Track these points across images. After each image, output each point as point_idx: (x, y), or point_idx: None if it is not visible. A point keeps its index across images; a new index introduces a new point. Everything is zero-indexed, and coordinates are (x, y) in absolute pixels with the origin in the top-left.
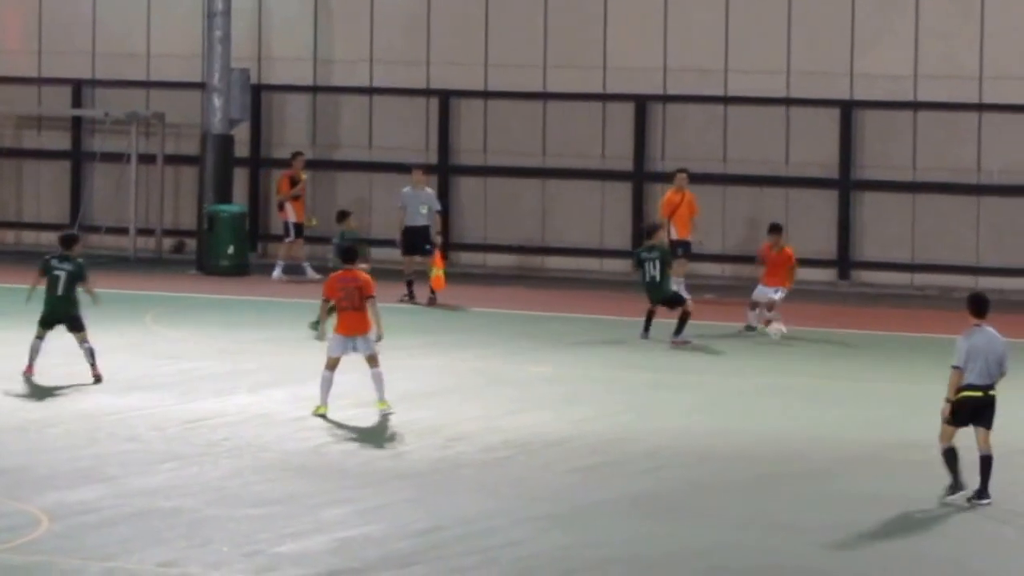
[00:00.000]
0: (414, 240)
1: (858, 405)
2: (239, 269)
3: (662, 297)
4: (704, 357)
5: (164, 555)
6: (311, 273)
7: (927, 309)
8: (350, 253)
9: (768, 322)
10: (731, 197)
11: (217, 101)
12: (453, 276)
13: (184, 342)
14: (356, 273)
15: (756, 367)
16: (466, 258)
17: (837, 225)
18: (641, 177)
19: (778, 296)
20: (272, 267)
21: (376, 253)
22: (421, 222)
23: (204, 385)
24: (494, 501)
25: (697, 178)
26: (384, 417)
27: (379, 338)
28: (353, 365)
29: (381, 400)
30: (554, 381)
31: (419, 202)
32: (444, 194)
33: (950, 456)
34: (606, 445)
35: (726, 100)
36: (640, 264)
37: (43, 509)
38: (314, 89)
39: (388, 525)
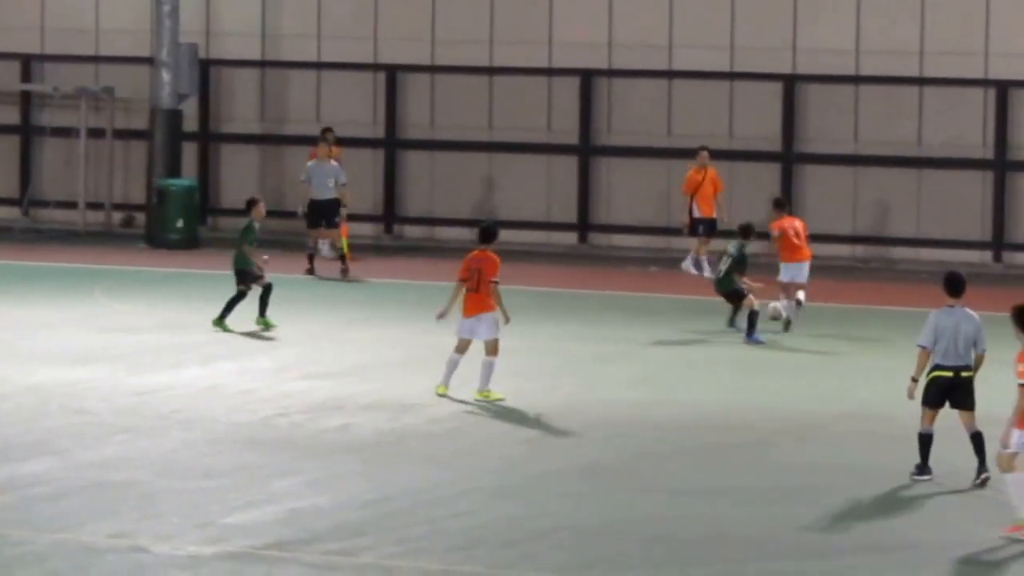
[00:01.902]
0: (321, 212)
1: (804, 376)
2: (189, 243)
3: (724, 290)
4: (652, 329)
5: (115, 527)
6: (325, 251)
7: (867, 281)
8: (487, 233)
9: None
10: (676, 171)
11: (166, 76)
12: (401, 249)
13: (134, 315)
14: (485, 254)
15: (702, 339)
16: (413, 231)
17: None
18: (587, 151)
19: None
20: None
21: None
22: (328, 195)
23: (154, 358)
24: (442, 472)
25: (641, 152)
26: (332, 390)
27: (506, 321)
28: (304, 336)
29: (482, 390)
30: (502, 352)
31: (326, 175)
32: (391, 168)
33: (924, 440)
34: (553, 416)
35: (671, 75)
36: (725, 257)
37: None
38: (262, 64)
39: (337, 496)
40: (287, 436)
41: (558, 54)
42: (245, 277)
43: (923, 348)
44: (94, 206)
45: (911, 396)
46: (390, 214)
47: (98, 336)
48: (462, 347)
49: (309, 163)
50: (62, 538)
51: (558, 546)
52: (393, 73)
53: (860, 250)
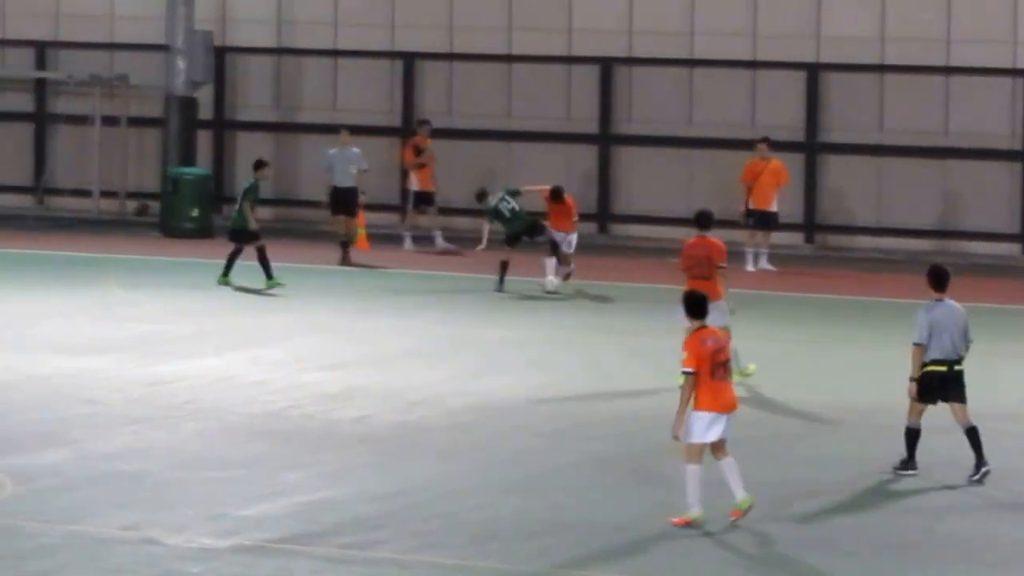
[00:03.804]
0: (342, 200)
1: (819, 369)
2: (203, 232)
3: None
4: (671, 321)
5: (127, 519)
6: (441, 242)
7: (892, 273)
8: (706, 219)
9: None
10: (696, 160)
11: (180, 63)
12: (416, 239)
13: (147, 304)
14: (708, 241)
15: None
16: (429, 221)
17: (803, 188)
18: (607, 140)
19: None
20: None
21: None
22: (348, 183)
23: (167, 348)
24: (457, 465)
25: (662, 141)
26: (347, 382)
27: (731, 311)
28: (318, 327)
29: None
30: (517, 345)
31: (347, 162)
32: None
33: (911, 435)
34: (569, 409)
35: (692, 63)
36: None
37: (6, 472)
38: (278, 51)
39: (350, 489)
40: (301, 428)
41: (577, 42)
42: (239, 236)
43: (919, 345)
44: (108, 194)
45: (912, 396)
46: (407, 202)
47: (111, 325)
48: None
49: (331, 151)
50: (74, 530)
51: (574, 541)
52: (410, 61)
53: (884, 241)
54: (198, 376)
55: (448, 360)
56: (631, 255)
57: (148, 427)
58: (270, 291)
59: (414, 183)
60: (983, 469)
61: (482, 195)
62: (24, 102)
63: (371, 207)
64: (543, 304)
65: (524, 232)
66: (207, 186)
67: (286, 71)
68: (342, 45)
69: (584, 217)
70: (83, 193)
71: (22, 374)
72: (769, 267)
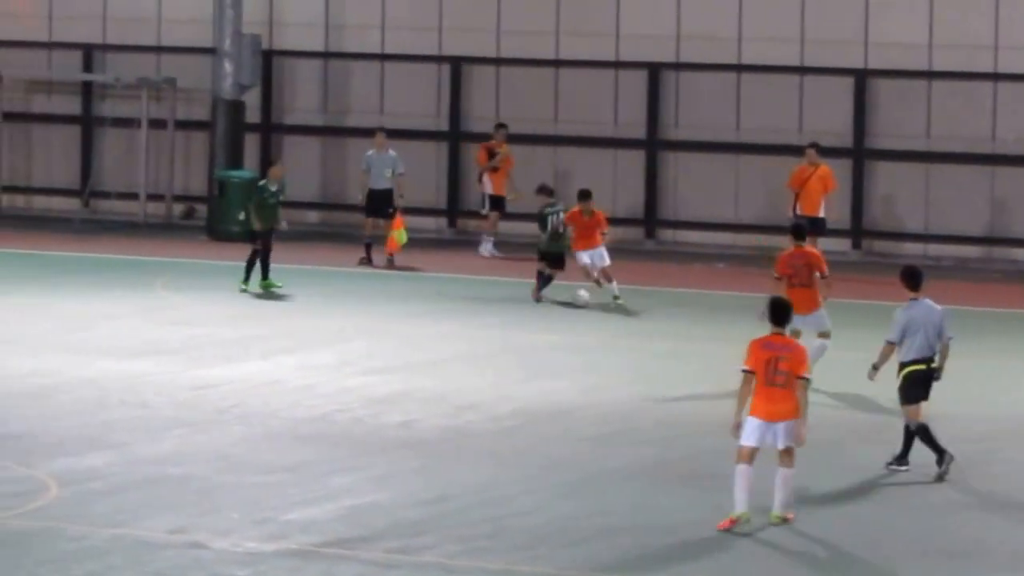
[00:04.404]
0: (378, 203)
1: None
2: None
3: None
4: (719, 326)
5: (173, 522)
6: (489, 248)
7: (939, 280)
8: (799, 230)
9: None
10: (744, 166)
11: (228, 66)
12: (460, 243)
13: (194, 308)
14: (806, 250)
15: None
16: (478, 225)
17: (851, 194)
18: (654, 145)
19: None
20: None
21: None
22: (384, 185)
23: (214, 351)
24: (503, 470)
25: (709, 147)
26: (394, 386)
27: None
28: (365, 331)
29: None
30: (564, 349)
31: (384, 165)
32: (455, 161)
33: (924, 431)
34: (616, 414)
35: (739, 68)
36: None
37: (52, 475)
38: (325, 55)
39: (396, 493)
40: (347, 432)
41: (625, 47)
42: (251, 237)
43: (891, 343)
44: (155, 197)
45: (872, 379)
46: (453, 208)
47: (158, 329)
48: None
49: (368, 153)
50: (119, 533)
51: (621, 546)
52: (458, 65)
53: (932, 248)
54: (245, 380)
55: (495, 364)
56: (679, 260)
57: (194, 431)
58: (263, 290)
59: (488, 186)
60: (904, 466)
61: (546, 190)
62: (71, 105)
63: (414, 211)
64: (590, 309)
65: (551, 257)
66: (254, 189)
67: (333, 75)
68: (390, 49)
69: (631, 222)
70: (130, 196)
71: (69, 377)
72: None
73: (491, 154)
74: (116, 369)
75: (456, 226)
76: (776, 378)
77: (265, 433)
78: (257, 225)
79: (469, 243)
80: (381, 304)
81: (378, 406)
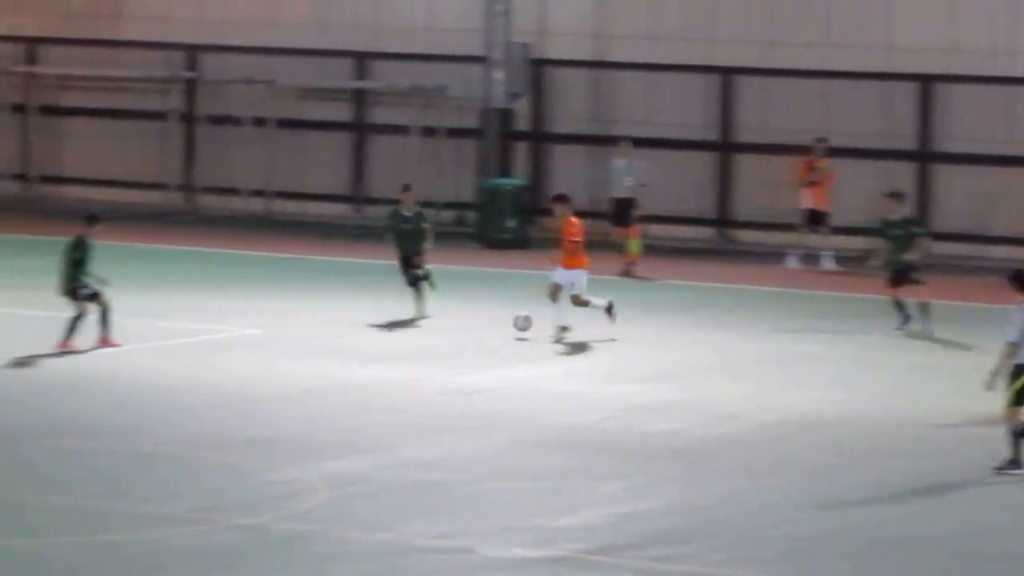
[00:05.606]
0: (618, 210)
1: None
2: (519, 242)
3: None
4: (970, 338)
5: (440, 527)
6: (829, 264)
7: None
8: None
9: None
10: (1016, 178)
11: (498, 75)
12: (736, 255)
13: (461, 314)
14: None
15: None
16: (748, 236)
17: None
18: (924, 157)
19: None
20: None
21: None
22: (622, 193)
23: (480, 357)
24: (765, 480)
25: (983, 159)
26: (659, 395)
27: None
28: (631, 339)
29: None
30: (822, 360)
31: (623, 174)
32: (726, 172)
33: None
34: (873, 425)
35: (1015, 81)
36: None
37: (319, 478)
38: (594, 64)
39: (662, 501)
40: (613, 439)
41: (896, 59)
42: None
43: (1013, 344)
44: (425, 204)
45: (986, 385)
46: (724, 218)
47: (423, 334)
48: None
49: (616, 161)
50: (382, 537)
51: (889, 560)
52: (727, 76)
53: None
54: (510, 386)
55: (752, 375)
56: (958, 274)
57: (459, 436)
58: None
59: (807, 200)
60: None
61: (897, 195)
62: (343, 112)
63: (682, 221)
64: (847, 319)
65: (900, 269)
66: (523, 197)
67: (602, 84)
68: (657, 59)
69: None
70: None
71: (333, 381)
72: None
73: (812, 168)
74: (380, 374)
75: (726, 236)
76: None
77: (530, 439)
78: (397, 252)
79: (738, 253)
80: (642, 314)
81: (643, 414)
